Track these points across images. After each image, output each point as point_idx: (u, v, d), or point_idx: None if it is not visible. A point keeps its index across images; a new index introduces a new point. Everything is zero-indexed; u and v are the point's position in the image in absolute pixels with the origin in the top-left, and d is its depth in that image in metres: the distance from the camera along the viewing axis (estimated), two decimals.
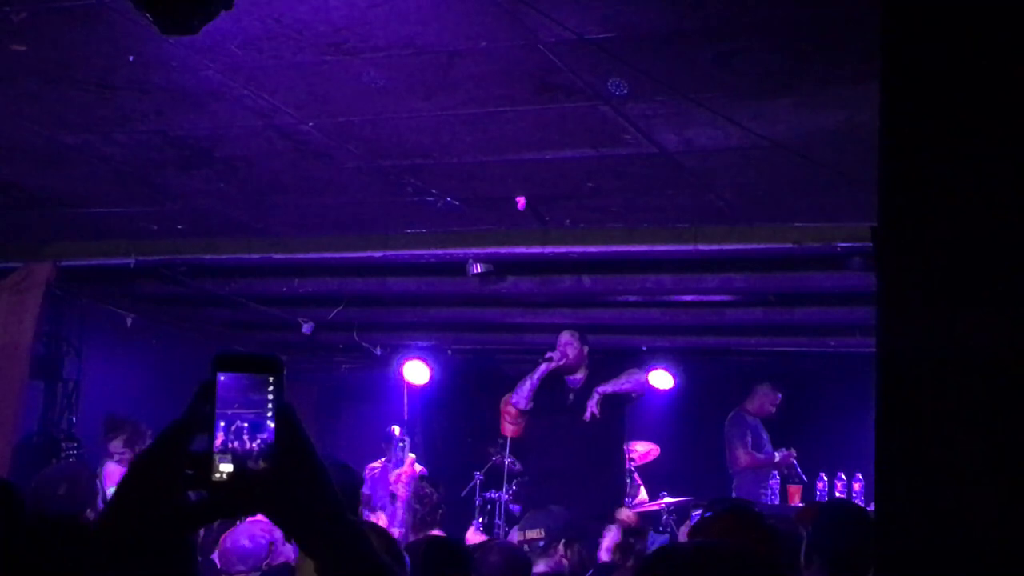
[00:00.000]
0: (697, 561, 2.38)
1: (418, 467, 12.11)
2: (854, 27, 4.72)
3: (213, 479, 1.71)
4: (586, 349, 9.58)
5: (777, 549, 4.25)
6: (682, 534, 6.86)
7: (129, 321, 11.37)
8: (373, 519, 10.56)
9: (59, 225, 9.12)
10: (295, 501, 1.77)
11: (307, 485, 1.78)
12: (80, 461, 9.90)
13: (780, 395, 11.47)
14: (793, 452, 11.15)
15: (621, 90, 5.57)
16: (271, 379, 1.76)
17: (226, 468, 1.71)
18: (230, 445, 1.72)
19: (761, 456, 11.16)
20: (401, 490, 6.41)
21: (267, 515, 1.78)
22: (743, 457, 11.13)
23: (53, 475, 5.41)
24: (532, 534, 6.39)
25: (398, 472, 6.70)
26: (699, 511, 10.33)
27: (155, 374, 12.06)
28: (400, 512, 6.39)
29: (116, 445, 9.38)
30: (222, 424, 1.72)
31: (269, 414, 1.74)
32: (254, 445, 1.73)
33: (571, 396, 9.35)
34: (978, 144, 2.22)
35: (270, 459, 1.73)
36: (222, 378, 1.74)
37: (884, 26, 2.38)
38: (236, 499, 1.74)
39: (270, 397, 1.75)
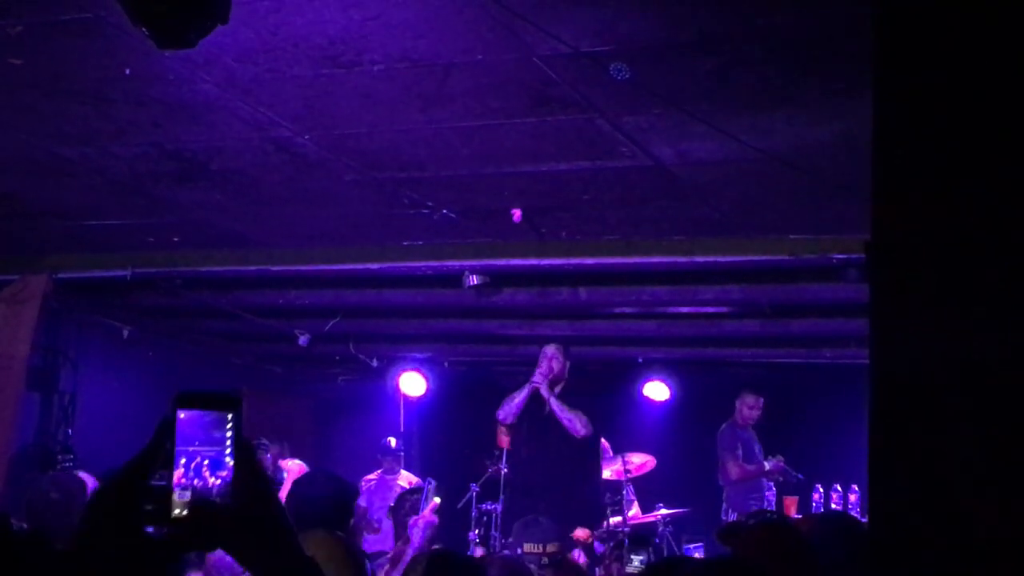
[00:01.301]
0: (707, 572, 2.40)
1: (410, 475, 12.11)
2: (849, 40, 4.74)
3: (173, 515, 1.72)
4: (568, 363, 9.60)
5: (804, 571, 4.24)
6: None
7: (125, 333, 11.36)
8: (370, 534, 10.56)
9: (56, 237, 9.12)
10: (253, 537, 1.78)
11: (265, 521, 1.80)
12: (70, 471, 9.88)
13: (761, 398, 11.47)
14: (781, 459, 11.16)
15: (623, 74, 5.55)
16: (230, 416, 1.77)
17: (186, 504, 1.73)
18: (190, 482, 1.73)
19: (751, 467, 11.16)
20: (416, 536, 6.40)
21: (226, 550, 1.80)
22: (734, 470, 11.14)
23: (47, 482, 5.41)
24: (552, 547, 6.35)
25: (416, 517, 6.70)
26: (694, 545, 10.38)
27: (151, 386, 12.03)
28: (408, 555, 6.39)
29: None
30: (183, 461, 1.73)
31: (228, 451, 1.76)
32: (214, 482, 1.74)
33: (546, 408, 9.36)
34: (971, 157, 2.23)
35: (229, 496, 1.74)
36: (182, 415, 1.75)
37: (877, 38, 2.39)
38: (195, 535, 1.76)
39: (229, 434, 1.76)
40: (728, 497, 11.20)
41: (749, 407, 11.45)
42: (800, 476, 11.19)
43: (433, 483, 7.54)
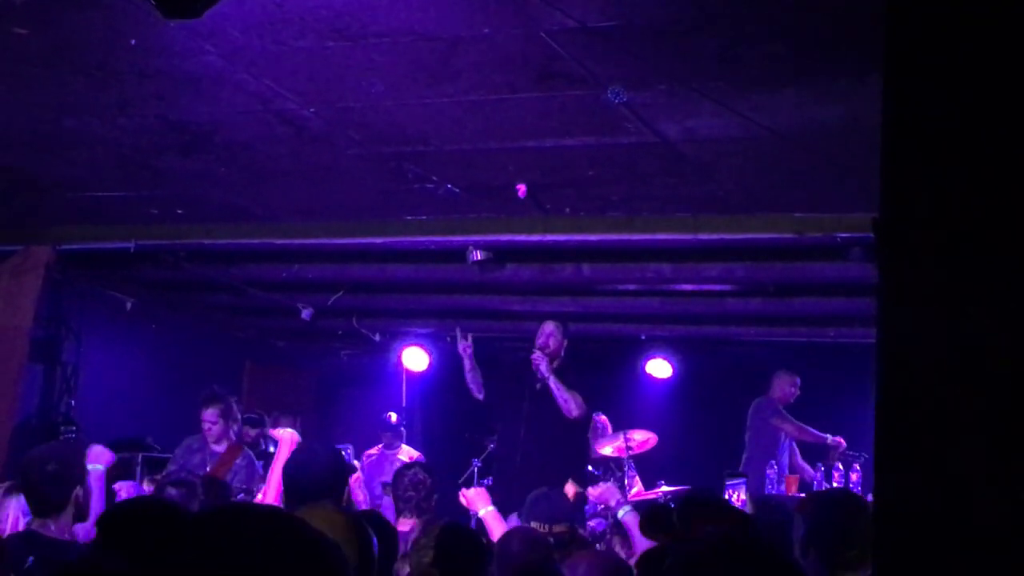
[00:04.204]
0: (715, 558, 2.39)
1: (411, 449, 12.14)
2: (856, 18, 4.71)
3: None
4: (565, 341, 9.59)
5: (757, 533, 4.24)
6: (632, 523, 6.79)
7: (128, 305, 11.37)
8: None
9: (59, 209, 9.11)
10: None
11: None
12: (69, 441, 9.88)
13: (798, 378, 11.51)
14: (841, 440, 11.14)
15: (620, 98, 5.59)
16: None
17: None
18: None
19: (812, 430, 11.18)
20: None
21: None
22: (792, 429, 11.18)
23: (42, 453, 5.40)
24: (559, 528, 6.28)
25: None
26: (736, 480, 10.38)
27: (154, 358, 12.09)
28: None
29: (211, 413, 9.32)
30: None
31: None
32: None
33: (539, 385, 9.37)
34: (982, 135, 2.22)
35: None
36: None
37: (889, 14, 2.37)
38: None
39: None
40: (748, 459, 11.19)
41: (788, 385, 11.48)
42: (865, 455, 11.16)
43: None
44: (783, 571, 2.44)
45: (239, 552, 1.68)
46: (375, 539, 3.44)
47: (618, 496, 7.37)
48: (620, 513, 7.11)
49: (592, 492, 7.65)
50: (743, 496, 9.93)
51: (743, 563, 2.39)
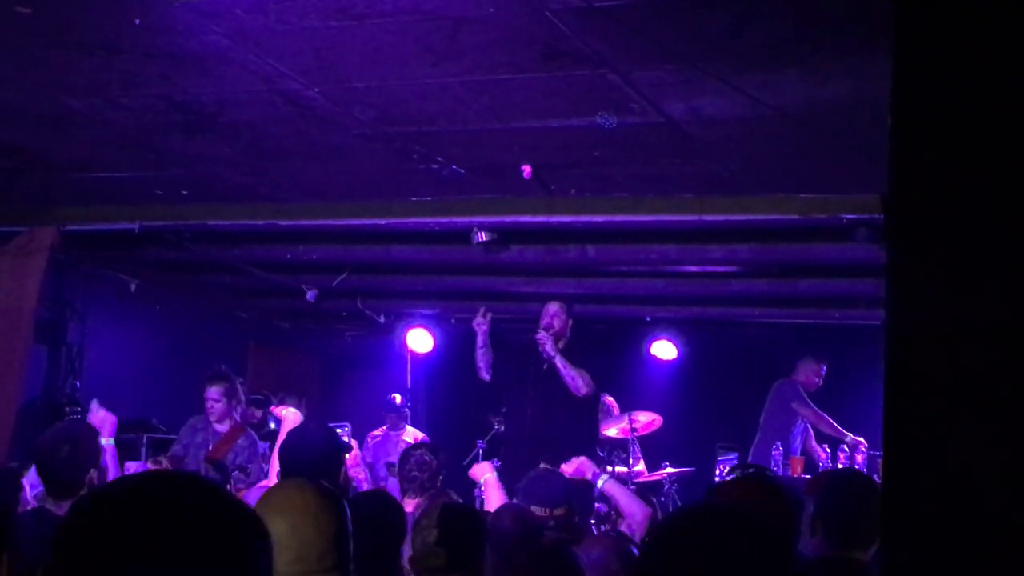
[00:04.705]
0: (706, 522, 2.38)
1: (416, 431, 12.16)
2: None
3: None
4: (570, 321, 9.58)
5: (794, 519, 4.24)
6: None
7: (133, 286, 11.36)
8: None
9: (64, 189, 9.10)
10: None
11: None
12: (78, 421, 9.89)
13: (824, 367, 11.50)
14: (863, 440, 11.07)
15: (610, 123, 5.61)
16: None
17: None
18: None
19: (832, 421, 11.16)
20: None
21: None
22: (812, 416, 11.18)
23: (55, 436, 5.40)
24: (560, 511, 6.29)
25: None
26: (728, 456, 10.38)
27: (158, 339, 12.09)
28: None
29: (215, 391, 9.34)
30: None
31: None
32: None
33: (545, 365, 9.36)
34: (994, 114, 2.20)
35: None
36: None
37: None
38: None
39: None
40: (761, 439, 11.21)
41: (813, 373, 11.48)
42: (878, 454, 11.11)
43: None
44: (770, 544, 2.42)
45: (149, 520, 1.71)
46: (349, 514, 3.45)
47: (593, 468, 7.41)
48: (599, 483, 7.13)
49: (567, 469, 7.66)
50: None
51: (730, 531, 2.38)
